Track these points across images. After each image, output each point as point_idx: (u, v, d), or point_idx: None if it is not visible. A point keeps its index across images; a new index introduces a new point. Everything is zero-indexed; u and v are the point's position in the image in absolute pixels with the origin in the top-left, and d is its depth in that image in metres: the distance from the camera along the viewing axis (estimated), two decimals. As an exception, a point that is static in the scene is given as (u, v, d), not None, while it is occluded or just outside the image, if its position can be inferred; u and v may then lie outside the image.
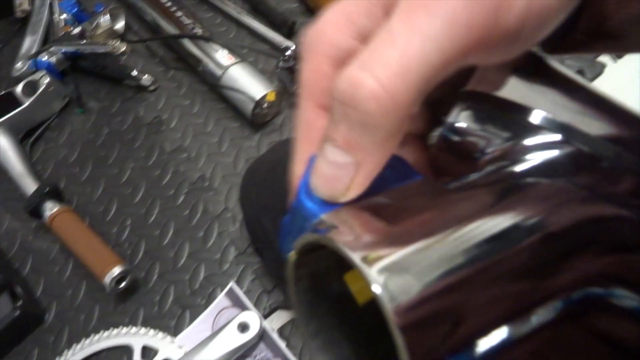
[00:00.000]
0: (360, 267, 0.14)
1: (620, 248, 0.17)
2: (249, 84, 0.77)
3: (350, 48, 0.18)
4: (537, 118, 0.19)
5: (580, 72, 0.79)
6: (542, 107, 0.19)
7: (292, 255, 0.17)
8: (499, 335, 0.15)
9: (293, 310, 0.19)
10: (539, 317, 0.16)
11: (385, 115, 0.15)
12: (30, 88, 0.84)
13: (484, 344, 0.15)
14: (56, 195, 0.76)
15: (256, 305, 0.69)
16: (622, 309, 0.17)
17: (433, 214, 0.17)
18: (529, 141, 0.19)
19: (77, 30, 0.88)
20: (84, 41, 0.86)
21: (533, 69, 0.21)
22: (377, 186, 0.17)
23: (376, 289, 0.14)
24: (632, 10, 0.18)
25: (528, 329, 0.16)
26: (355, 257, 0.14)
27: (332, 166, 0.16)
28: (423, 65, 0.14)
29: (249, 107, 0.77)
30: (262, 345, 0.65)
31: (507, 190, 0.18)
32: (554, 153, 0.18)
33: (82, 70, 0.90)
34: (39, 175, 0.82)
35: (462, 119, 0.20)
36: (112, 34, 0.89)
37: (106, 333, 0.68)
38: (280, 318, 0.69)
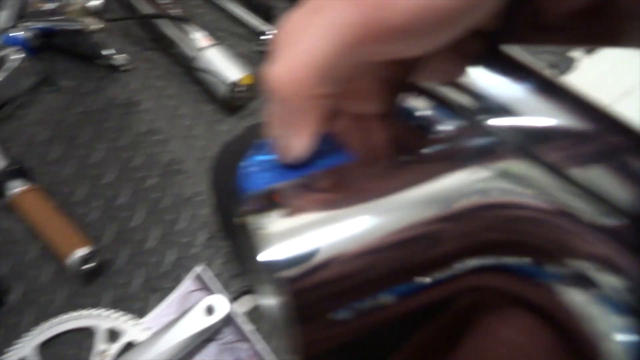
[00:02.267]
0: (255, 236, 0.18)
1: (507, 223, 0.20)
2: (224, 67, 0.76)
3: None
4: (467, 111, 0.22)
5: (555, 66, 0.79)
6: (485, 92, 0.21)
7: (235, 219, 0.22)
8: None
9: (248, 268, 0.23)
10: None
11: (292, 97, 0.19)
12: (0, 64, 0.82)
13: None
14: (22, 174, 0.74)
15: (226, 288, 0.68)
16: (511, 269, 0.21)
17: (337, 194, 0.20)
18: (460, 128, 0.22)
19: (51, 6, 0.86)
20: (57, 17, 0.84)
21: (487, 57, 0.22)
22: (315, 159, 0.22)
23: (260, 258, 0.18)
24: (564, 5, 0.19)
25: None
26: (255, 228, 0.18)
27: (278, 139, 0.21)
28: (317, 56, 0.18)
29: (223, 90, 0.76)
30: (227, 329, 0.64)
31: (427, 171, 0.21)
32: (481, 141, 0.21)
33: (55, 47, 0.87)
34: (7, 153, 0.80)
35: (408, 104, 0.23)
36: (87, 11, 0.87)
37: (67, 315, 0.66)
38: (249, 302, 0.68)
